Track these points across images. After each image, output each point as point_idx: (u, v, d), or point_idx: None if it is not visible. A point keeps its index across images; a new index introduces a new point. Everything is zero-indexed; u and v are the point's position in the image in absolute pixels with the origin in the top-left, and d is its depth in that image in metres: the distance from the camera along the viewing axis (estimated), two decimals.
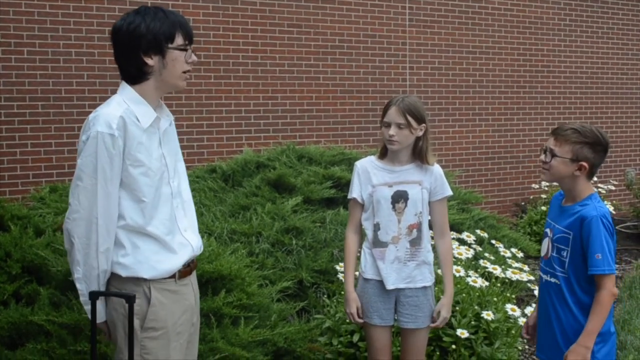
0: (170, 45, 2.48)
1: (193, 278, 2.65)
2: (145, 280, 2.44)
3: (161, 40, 2.46)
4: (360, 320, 3.28)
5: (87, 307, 2.46)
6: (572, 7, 9.07)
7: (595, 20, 9.29)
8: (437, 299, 3.38)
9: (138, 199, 2.43)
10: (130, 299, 2.32)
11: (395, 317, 3.30)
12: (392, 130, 3.14)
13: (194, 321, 2.66)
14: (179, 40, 2.49)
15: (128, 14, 2.52)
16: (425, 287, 3.25)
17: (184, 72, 2.53)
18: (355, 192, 3.27)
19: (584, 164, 2.82)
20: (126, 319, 2.42)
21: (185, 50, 2.51)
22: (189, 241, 2.57)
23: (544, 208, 7.59)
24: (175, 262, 2.50)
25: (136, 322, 2.43)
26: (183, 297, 2.55)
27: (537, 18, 8.80)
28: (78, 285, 2.44)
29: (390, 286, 3.20)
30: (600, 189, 7.89)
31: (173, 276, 2.50)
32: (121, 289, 2.44)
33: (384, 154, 3.28)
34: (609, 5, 9.39)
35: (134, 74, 2.50)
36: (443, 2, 8.10)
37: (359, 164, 3.31)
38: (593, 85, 9.36)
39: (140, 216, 2.43)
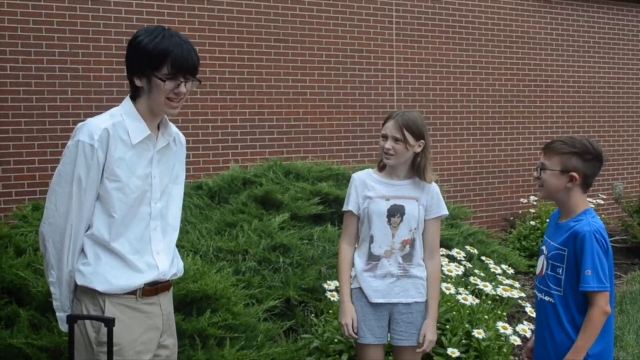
0: (155, 73, 2.41)
1: (163, 299, 2.57)
2: (100, 293, 2.40)
3: (146, 67, 2.41)
4: (354, 335, 3.20)
5: (59, 314, 2.48)
6: (558, 22, 9.10)
7: (582, 34, 9.33)
8: None
9: (109, 213, 2.42)
10: (109, 323, 2.27)
11: (389, 335, 3.25)
12: (389, 144, 3.13)
13: (165, 343, 2.59)
14: (164, 69, 2.40)
15: (145, 29, 2.46)
16: (417, 303, 3.22)
17: (170, 100, 2.44)
18: (351, 204, 3.24)
19: (574, 174, 2.80)
20: (86, 331, 2.42)
21: (166, 80, 2.41)
22: (157, 264, 2.51)
23: (532, 223, 7.57)
24: (135, 280, 2.45)
25: (92, 335, 2.41)
26: (146, 315, 2.49)
27: (524, 32, 8.82)
28: (52, 289, 2.46)
29: (374, 299, 3.16)
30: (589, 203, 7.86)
31: (134, 293, 2.45)
32: (80, 298, 2.44)
33: (382, 167, 3.26)
34: (594, 19, 9.43)
35: (131, 89, 2.50)
36: (430, 17, 8.10)
37: (356, 176, 3.28)
38: (580, 99, 9.38)
39: (107, 231, 2.42)
